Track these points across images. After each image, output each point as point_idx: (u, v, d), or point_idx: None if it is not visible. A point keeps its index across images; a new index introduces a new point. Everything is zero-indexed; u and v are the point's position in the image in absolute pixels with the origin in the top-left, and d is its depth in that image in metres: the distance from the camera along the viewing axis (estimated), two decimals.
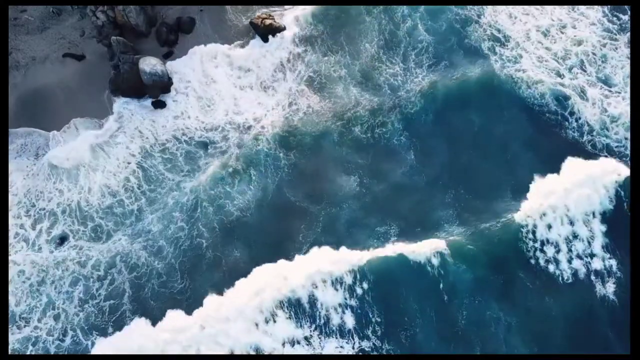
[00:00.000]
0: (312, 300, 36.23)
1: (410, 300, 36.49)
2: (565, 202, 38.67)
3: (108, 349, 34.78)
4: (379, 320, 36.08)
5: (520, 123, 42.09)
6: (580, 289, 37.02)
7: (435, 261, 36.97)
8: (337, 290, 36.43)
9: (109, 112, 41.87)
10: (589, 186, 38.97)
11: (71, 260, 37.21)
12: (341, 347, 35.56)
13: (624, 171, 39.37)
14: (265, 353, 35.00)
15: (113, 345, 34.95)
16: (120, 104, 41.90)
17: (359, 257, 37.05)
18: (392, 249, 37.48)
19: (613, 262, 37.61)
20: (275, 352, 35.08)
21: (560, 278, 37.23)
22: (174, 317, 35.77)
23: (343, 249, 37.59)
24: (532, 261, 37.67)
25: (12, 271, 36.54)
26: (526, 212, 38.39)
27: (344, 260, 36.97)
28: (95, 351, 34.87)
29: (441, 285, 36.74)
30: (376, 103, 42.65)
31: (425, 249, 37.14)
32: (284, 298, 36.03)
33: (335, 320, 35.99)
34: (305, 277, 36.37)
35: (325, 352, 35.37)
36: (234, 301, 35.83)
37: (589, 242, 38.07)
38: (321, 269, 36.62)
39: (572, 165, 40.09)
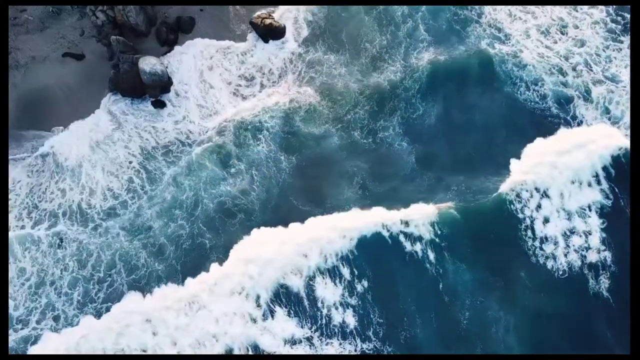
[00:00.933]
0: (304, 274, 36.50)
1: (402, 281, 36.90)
2: (561, 188, 38.73)
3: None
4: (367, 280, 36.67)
5: (520, 121, 42.16)
6: (577, 283, 37.09)
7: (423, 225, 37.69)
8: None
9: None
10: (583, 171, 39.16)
11: (70, 257, 36.90)
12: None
13: (618, 141, 39.63)
14: (262, 346, 34.64)
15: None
16: (111, 102, 41.70)
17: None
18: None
19: (608, 255, 37.62)
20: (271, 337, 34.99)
21: (556, 272, 37.25)
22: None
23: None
24: (522, 233, 38.00)
25: (12, 269, 36.35)
26: (511, 185, 38.48)
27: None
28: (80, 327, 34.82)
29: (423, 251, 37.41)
30: (377, 102, 42.65)
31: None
32: (278, 285, 36.05)
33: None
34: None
35: (318, 327, 35.44)
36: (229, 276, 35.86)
37: (585, 236, 38.02)
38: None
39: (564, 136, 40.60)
